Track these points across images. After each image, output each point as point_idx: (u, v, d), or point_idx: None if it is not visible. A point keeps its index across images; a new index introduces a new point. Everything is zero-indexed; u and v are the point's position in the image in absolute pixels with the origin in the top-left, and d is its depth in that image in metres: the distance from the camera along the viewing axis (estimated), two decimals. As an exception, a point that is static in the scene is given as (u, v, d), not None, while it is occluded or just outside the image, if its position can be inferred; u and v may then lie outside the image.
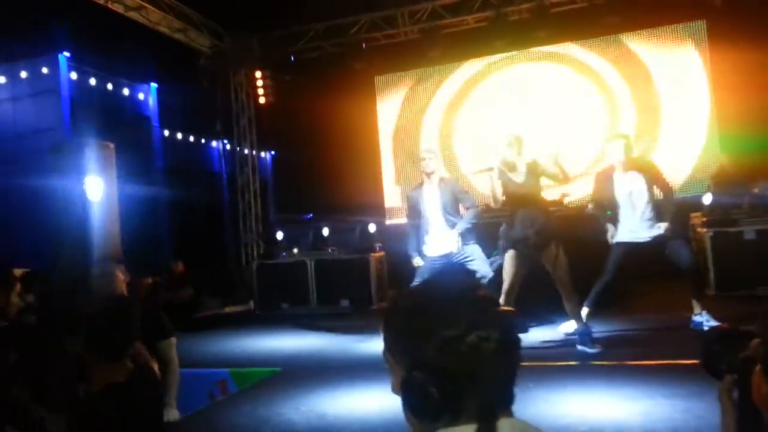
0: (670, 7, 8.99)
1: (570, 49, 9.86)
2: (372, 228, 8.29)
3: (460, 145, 10.30)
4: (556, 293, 5.00)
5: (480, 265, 5.14)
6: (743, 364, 1.12)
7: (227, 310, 8.81)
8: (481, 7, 9.65)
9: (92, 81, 9.96)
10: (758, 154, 7.57)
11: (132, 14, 9.08)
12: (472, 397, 0.91)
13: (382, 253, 8.19)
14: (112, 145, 7.78)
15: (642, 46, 9.49)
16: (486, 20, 9.68)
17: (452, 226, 5.17)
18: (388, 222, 9.96)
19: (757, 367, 0.83)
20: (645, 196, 5.02)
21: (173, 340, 3.65)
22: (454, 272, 5.15)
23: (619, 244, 5.10)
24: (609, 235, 5.14)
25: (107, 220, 7.23)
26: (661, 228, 4.94)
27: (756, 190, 6.74)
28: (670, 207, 5.07)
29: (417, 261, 5.35)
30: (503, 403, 0.95)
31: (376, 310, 7.59)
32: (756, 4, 8.14)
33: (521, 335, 0.99)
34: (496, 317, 0.96)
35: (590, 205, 5.15)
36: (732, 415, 1.22)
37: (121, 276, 3.58)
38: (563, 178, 5.04)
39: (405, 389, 0.94)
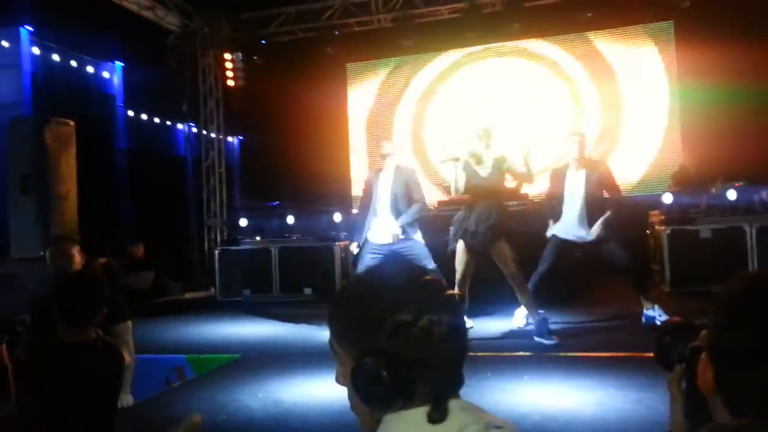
0: (639, 7, 9.13)
1: (541, 45, 9.95)
2: (338, 217, 8.24)
3: (431, 136, 10.31)
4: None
5: (422, 258, 5.11)
6: (691, 354, 1.15)
7: (188, 295, 8.68)
8: (454, -2, 9.64)
9: (55, 57, 9.64)
10: (719, 154, 7.77)
11: (97, -11, 8.80)
12: (424, 382, 0.91)
13: (347, 242, 8.15)
14: (72, 123, 7.57)
15: (609, 44, 9.63)
16: (460, 11, 9.67)
17: (397, 215, 5.17)
18: (355, 211, 9.93)
19: (703, 354, 0.85)
20: (583, 196, 5.11)
21: (129, 324, 3.57)
22: (398, 261, 5.16)
23: (553, 236, 5.21)
24: (548, 230, 5.25)
25: (66, 199, 7.06)
26: (591, 233, 5.06)
27: (714, 190, 6.92)
28: (608, 208, 5.14)
29: (353, 247, 5.37)
30: (454, 386, 0.96)
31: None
32: (722, 6, 8.33)
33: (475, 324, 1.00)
34: (445, 301, 0.96)
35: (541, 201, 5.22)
36: (680, 403, 1.26)
37: (77, 256, 3.52)
38: (527, 178, 5.08)
39: (356, 377, 0.92)
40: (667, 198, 6.94)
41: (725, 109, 8.09)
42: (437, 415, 0.91)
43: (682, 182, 7.36)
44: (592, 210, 5.11)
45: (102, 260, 5.45)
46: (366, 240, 5.33)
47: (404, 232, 5.15)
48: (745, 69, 7.98)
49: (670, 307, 5.24)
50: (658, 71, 9.34)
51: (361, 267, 5.30)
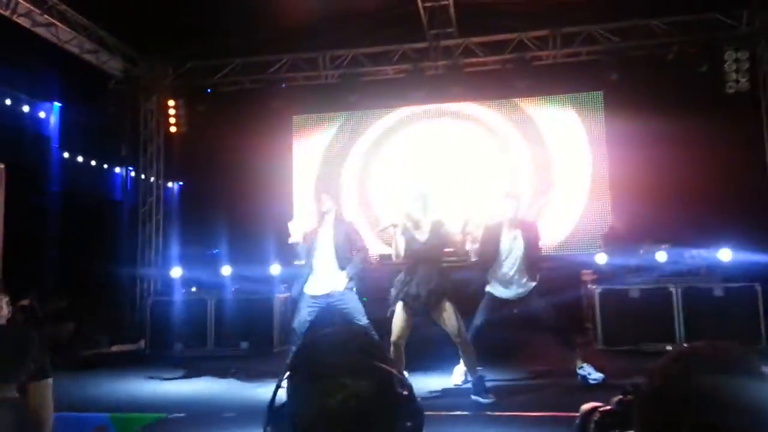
0: (572, 77, 9.70)
1: (479, 109, 10.34)
2: (276, 269, 8.12)
3: (376, 190, 10.39)
4: (449, 342, 5.11)
5: (355, 312, 5.20)
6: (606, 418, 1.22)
7: (115, 348, 8.24)
8: (400, 59, 9.98)
9: (-9, 97, 9.31)
10: (646, 218, 8.20)
11: (39, 30, 8.63)
12: None
13: (287, 295, 8.02)
14: (1, 165, 7.26)
15: (541, 111, 10.12)
16: (404, 72, 10.01)
17: (342, 266, 5.23)
18: (296, 263, 9.82)
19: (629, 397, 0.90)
20: (520, 255, 5.28)
21: (50, 381, 3.32)
22: (332, 318, 5.21)
23: (489, 293, 5.34)
24: (487, 286, 5.36)
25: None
26: (526, 287, 5.23)
27: (642, 252, 7.26)
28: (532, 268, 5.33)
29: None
30: None
31: (277, 353, 7.37)
32: (648, 80, 8.95)
33: (413, 381, 0.99)
34: (368, 372, 0.94)
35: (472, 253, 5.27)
36: None
37: (4, 308, 3.27)
38: (461, 246, 5.18)
39: None
40: (601, 258, 7.23)
41: (651, 173, 8.59)
42: None
43: (612, 243, 7.68)
44: (528, 267, 5.27)
45: (24, 303, 5.15)
46: (302, 294, 5.33)
47: (344, 286, 5.20)
48: (669, 137, 8.53)
49: (603, 364, 5.38)
50: (587, 138, 9.85)
51: (298, 321, 5.26)
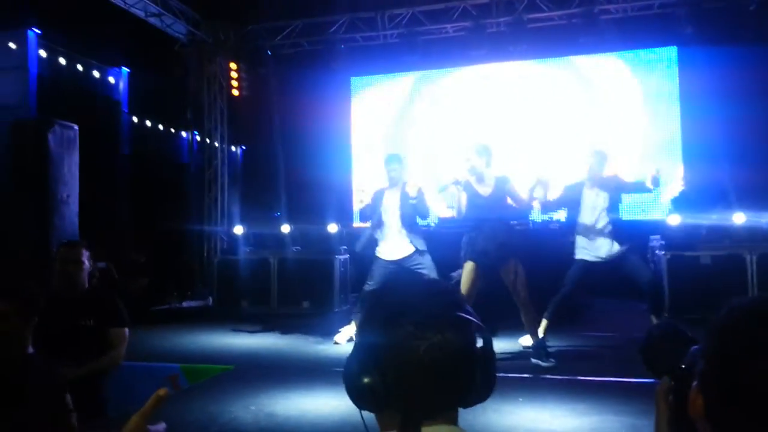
0: (643, 32, 9.19)
1: (547, 65, 9.98)
2: (335, 229, 8.23)
3: (439, 150, 10.21)
4: (516, 306, 5.05)
5: (432, 273, 5.18)
6: (684, 374, 1.14)
7: (185, 304, 8.64)
8: (461, 16, 9.71)
9: (62, 60, 9.69)
10: (720, 180, 7.78)
11: (106, -5, 8.85)
12: (397, 396, 0.92)
13: (347, 256, 8.15)
14: (76, 127, 7.58)
15: (611, 68, 9.66)
16: (465, 30, 9.74)
17: (409, 232, 5.21)
18: (355, 225, 9.92)
19: (694, 383, 0.83)
20: (606, 213, 5.08)
21: (125, 332, 3.49)
22: (410, 277, 5.18)
23: (579, 261, 5.17)
24: (576, 253, 5.18)
25: (67, 203, 7.05)
26: (618, 247, 5.03)
27: (715, 217, 6.92)
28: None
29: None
30: (437, 409, 0.94)
31: (337, 312, 7.53)
32: (727, 33, 8.38)
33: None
34: (442, 319, 0.95)
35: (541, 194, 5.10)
36: (665, 417, 1.24)
37: (86, 263, 3.40)
38: (526, 205, 5.07)
39: (343, 375, 0.97)
40: (673, 219, 6.90)
41: (727, 134, 8.10)
42: None
43: (682, 207, 7.34)
44: (616, 227, 5.09)
45: (101, 266, 5.42)
46: (376, 257, 5.35)
47: (416, 248, 5.23)
48: (747, 96, 8.02)
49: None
50: (658, 97, 9.37)
51: (372, 284, 5.30)
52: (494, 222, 4.86)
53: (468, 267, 4.93)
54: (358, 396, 0.95)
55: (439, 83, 10.55)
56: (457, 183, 4.91)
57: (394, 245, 5.30)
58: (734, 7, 8.66)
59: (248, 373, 4.84)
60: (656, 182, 4.93)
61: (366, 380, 0.93)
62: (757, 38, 8.15)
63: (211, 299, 8.38)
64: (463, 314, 0.97)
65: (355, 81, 10.91)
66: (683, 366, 1.18)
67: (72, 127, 7.38)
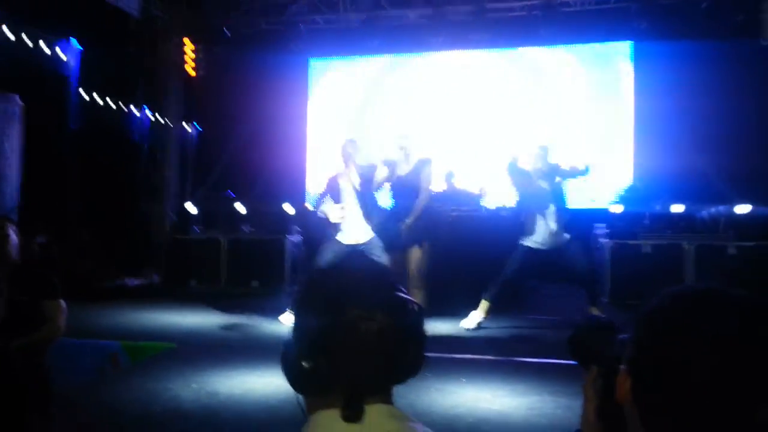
0: (600, 26, 9.36)
1: (509, 54, 10.06)
2: (291, 210, 8.17)
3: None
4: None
5: (381, 258, 5.18)
6: (612, 362, 1.17)
7: (130, 282, 8.43)
8: (422, 3, 9.70)
9: (6, 31, 9.27)
10: (666, 173, 8.00)
11: (56, -37, 8.50)
12: (341, 378, 0.91)
13: (299, 237, 8.10)
14: (19, 101, 7.30)
15: (567, 60, 9.82)
16: (427, 17, 9.74)
17: (367, 213, 5.20)
18: (307, 206, 9.87)
19: (622, 367, 0.85)
20: (551, 203, 5.22)
21: (60, 303, 3.39)
22: (360, 258, 5.17)
23: (523, 246, 5.29)
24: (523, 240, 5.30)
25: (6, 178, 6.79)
26: (562, 237, 5.19)
27: (658, 207, 7.14)
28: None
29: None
30: (378, 388, 0.95)
31: (288, 292, 7.49)
32: (679, 30, 8.60)
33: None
34: (387, 301, 0.95)
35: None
36: (593, 405, 1.27)
37: (13, 236, 3.32)
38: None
39: (282, 361, 0.97)
40: (616, 208, 7.12)
41: (678, 126, 8.33)
42: (349, 414, 0.91)
43: (629, 196, 7.55)
44: (562, 217, 5.28)
45: (41, 240, 5.26)
46: (333, 240, 5.31)
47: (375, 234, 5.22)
48: (698, 90, 8.25)
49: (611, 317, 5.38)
50: (612, 88, 9.58)
51: (321, 262, 5.26)
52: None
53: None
54: (299, 379, 0.94)
55: (400, 69, 10.53)
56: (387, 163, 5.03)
57: (350, 229, 5.28)
58: (686, 4, 8.90)
59: (191, 351, 4.77)
60: (586, 170, 5.14)
61: (309, 364, 0.92)
62: (708, 34, 8.41)
63: (156, 277, 8.21)
64: (403, 296, 0.98)
65: (314, 63, 10.80)
66: (611, 355, 1.21)
67: (14, 100, 7.09)
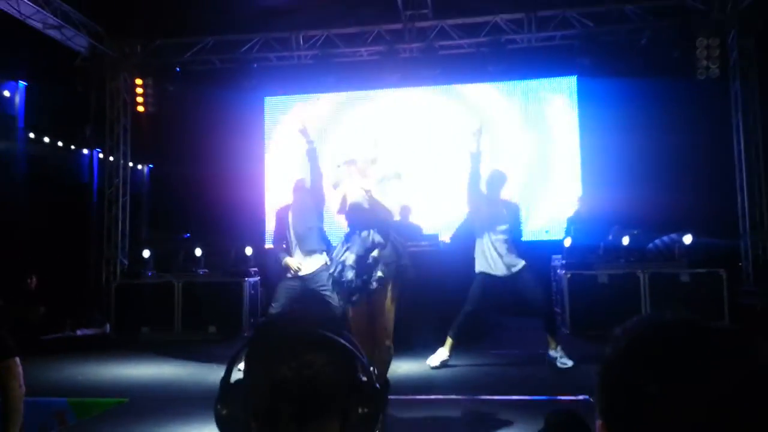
0: (546, 61, 9.69)
1: (460, 89, 10.27)
2: (249, 251, 8.00)
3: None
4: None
5: (327, 291, 5.04)
6: None
7: (79, 332, 8.06)
8: (375, 40, 9.84)
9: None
10: (615, 201, 8.23)
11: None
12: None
13: (257, 278, 7.93)
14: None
15: (514, 94, 10.09)
16: (379, 54, 9.87)
17: (306, 245, 5.12)
18: (267, 246, 9.72)
19: (598, 422, 0.81)
20: (507, 231, 5.25)
21: (14, 362, 3.16)
22: (310, 302, 5.07)
23: (480, 273, 5.30)
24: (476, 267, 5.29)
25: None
26: (518, 264, 5.20)
27: (610, 237, 7.30)
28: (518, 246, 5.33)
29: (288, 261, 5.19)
30: None
31: (246, 337, 7.29)
32: (621, 65, 8.96)
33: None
34: (326, 346, 0.91)
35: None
36: None
37: None
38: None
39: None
40: (567, 242, 7.25)
41: (622, 158, 8.64)
42: None
43: (579, 227, 7.68)
44: (515, 245, 5.26)
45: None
46: (285, 278, 5.22)
47: (325, 262, 5.04)
48: (640, 122, 8.59)
49: (570, 350, 5.41)
50: (559, 122, 9.86)
51: (275, 307, 5.14)
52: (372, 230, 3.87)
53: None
54: (222, 426, 0.95)
55: (356, 106, 10.60)
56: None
57: (301, 260, 5.19)
58: (627, 41, 9.30)
59: (145, 405, 4.55)
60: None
61: (227, 411, 0.94)
62: (648, 70, 8.80)
63: (108, 326, 7.88)
64: (340, 339, 0.93)
65: (269, 101, 10.77)
66: None
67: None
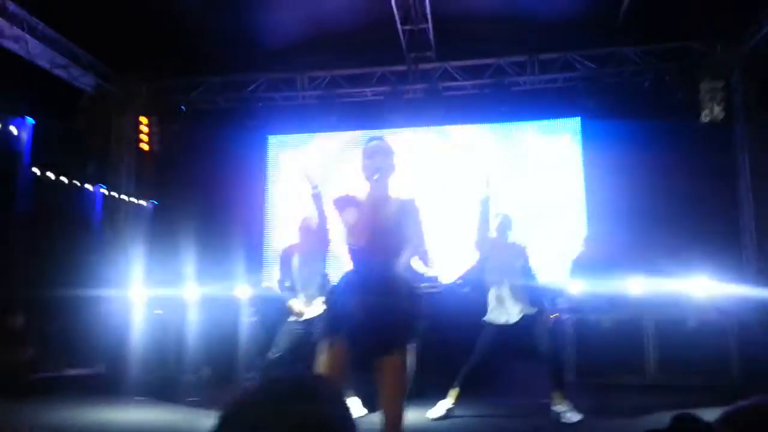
0: (549, 103, 9.71)
1: (465, 131, 10.28)
2: (248, 292, 7.89)
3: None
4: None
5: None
6: None
7: (71, 372, 7.88)
8: (379, 81, 9.93)
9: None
10: (620, 244, 8.10)
11: (8, 43, 8.45)
12: None
13: (255, 320, 7.78)
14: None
15: (518, 136, 10.08)
16: (383, 94, 9.95)
17: (320, 289, 5.02)
18: (264, 285, 9.59)
19: None
20: (517, 276, 5.12)
21: None
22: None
23: (486, 323, 5.15)
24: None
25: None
26: (530, 311, 5.05)
27: (614, 281, 7.13)
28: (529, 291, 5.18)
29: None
30: None
31: (241, 380, 7.11)
32: (624, 107, 8.97)
33: None
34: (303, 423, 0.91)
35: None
36: None
37: None
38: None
39: None
40: (574, 287, 7.10)
41: (626, 200, 8.54)
42: None
43: (584, 270, 7.54)
44: (525, 290, 5.11)
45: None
46: (287, 322, 5.12)
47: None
48: (644, 165, 8.52)
49: (576, 399, 5.22)
50: (563, 163, 9.81)
51: (276, 351, 5.02)
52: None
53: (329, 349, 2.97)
54: None
55: (359, 145, 10.59)
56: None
57: (304, 304, 5.10)
58: (630, 83, 9.33)
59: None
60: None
61: None
62: (651, 112, 8.79)
63: (101, 366, 7.71)
64: (318, 404, 0.94)
65: (272, 139, 10.81)
66: None
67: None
